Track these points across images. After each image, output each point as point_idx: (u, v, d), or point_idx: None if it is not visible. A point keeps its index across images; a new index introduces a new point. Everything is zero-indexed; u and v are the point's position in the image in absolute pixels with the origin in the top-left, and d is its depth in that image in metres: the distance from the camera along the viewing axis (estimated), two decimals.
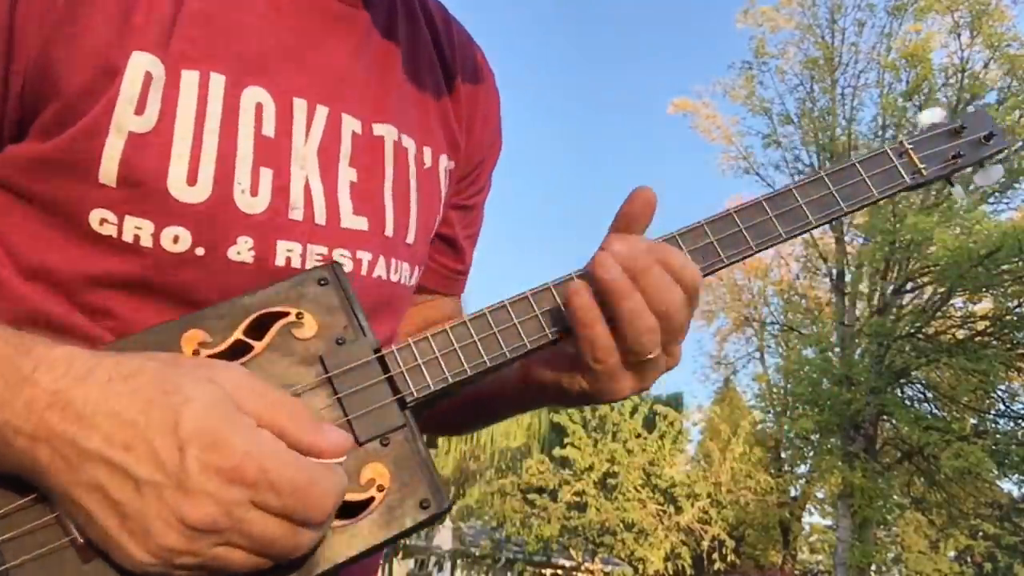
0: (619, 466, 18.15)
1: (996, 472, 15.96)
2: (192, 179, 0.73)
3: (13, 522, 0.61)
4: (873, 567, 18.46)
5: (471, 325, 0.79)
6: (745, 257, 0.85)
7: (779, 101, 18.96)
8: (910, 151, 0.94)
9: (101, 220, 0.71)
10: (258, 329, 0.71)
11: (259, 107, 0.77)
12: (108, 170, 0.71)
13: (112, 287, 0.73)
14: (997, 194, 16.48)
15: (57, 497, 0.60)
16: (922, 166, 0.93)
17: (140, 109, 0.71)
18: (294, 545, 0.60)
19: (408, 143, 0.89)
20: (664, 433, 18.87)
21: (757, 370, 21.42)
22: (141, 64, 0.72)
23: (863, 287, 17.79)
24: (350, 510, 0.67)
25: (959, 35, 17.01)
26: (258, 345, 0.71)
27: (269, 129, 0.78)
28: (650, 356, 0.77)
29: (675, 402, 22.60)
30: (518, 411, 0.97)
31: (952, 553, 24.30)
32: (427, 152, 0.92)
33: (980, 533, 19.97)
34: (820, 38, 18.63)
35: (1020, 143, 15.98)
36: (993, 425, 16.57)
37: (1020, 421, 16.25)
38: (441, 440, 22.32)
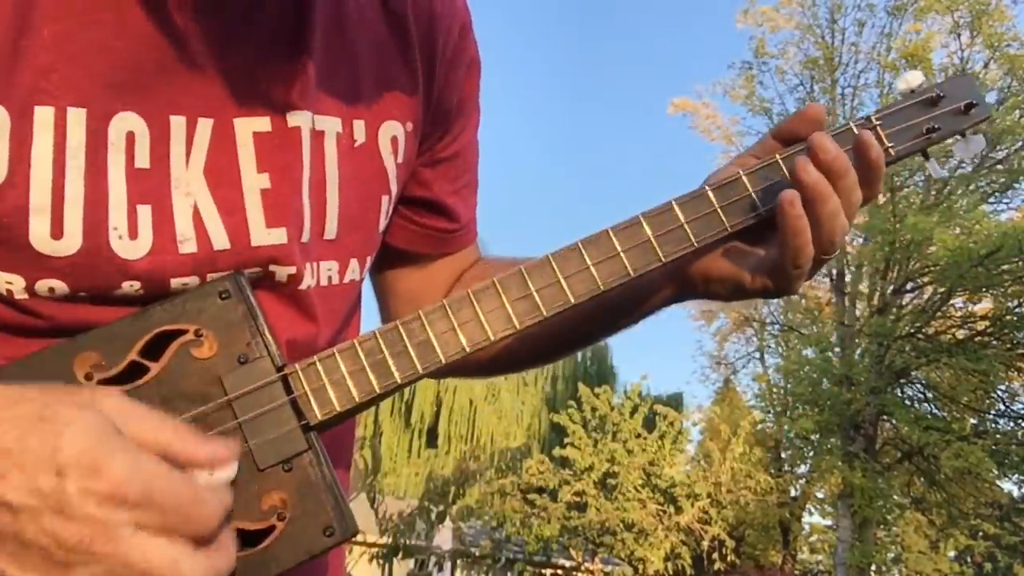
0: (619, 466, 18.14)
1: (996, 472, 15.96)
2: (57, 232, 0.66)
3: None
4: (873, 567, 18.45)
5: (381, 339, 0.74)
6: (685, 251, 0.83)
7: (779, 101, 18.97)
8: (878, 127, 0.86)
9: None
10: (155, 349, 0.68)
11: (130, 137, 0.69)
12: None
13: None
14: (997, 194, 16.49)
15: None
16: (889, 144, 0.86)
17: None
18: (173, 569, 0.57)
19: (326, 124, 0.80)
20: (664, 433, 18.87)
21: (757, 370, 21.41)
22: None
23: (863, 287, 17.79)
24: (251, 539, 0.65)
25: (959, 35, 17.03)
26: (154, 366, 0.67)
27: (143, 160, 0.69)
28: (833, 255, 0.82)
29: (675, 402, 22.61)
30: (651, 313, 0.96)
31: (952, 553, 24.29)
32: (358, 127, 0.83)
33: (980, 533, 19.96)
34: (820, 38, 18.64)
35: (1020, 143, 16.00)
36: (993, 425, 16.58)
37: (1020, 421, 16.25)
38: (441, 440, 22.31)
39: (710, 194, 0.82)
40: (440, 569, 19.05)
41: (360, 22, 0.85)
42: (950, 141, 0.91)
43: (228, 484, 0.61)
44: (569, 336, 0.99)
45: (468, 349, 0.76)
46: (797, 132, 0.86)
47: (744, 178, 0.83)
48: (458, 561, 19.53)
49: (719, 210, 0.82)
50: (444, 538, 18.81)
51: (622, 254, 0.80)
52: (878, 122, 0.86)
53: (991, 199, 16.52)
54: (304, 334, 0.79)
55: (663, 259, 0.80)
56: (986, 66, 16.88)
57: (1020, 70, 16.33)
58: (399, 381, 0.74)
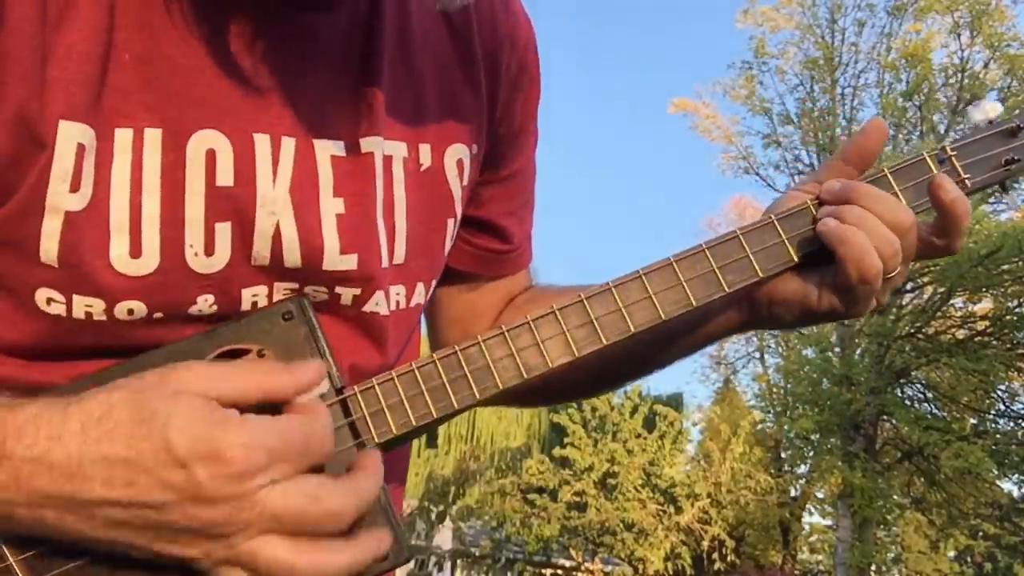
0: (619, 466, 18.14)
1: (996, 472, 15.96)
2: (136, 251, 0.67)
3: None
4: (873, 567, 18.46)
5: (440, 364, 0.75)
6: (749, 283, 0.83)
7: (779, 101, 18.98)
8: (952, 157, 0.83)
9: (48, 299, 0.67)
10: None
11: (211, 154, 0.69)
12: (48, 250, 0.65)
13: (70, 357, 0.70)
14: (997, 194, 16.46)
15: (80, 540, 0.61)
16: (966, 176, 0.83)
17: (75, 186, 0.65)
18: (321, 508, 0.61)
19: (394, 149, 0.81)
20: (664, 433, 18.87)
21: (757, 370, 21.42)
22: (71, 136, 0.64)
23: None
24: None
25: (959, 35, 17.01)
26: None
27: (226, 178, 0.70)
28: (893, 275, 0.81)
29: (675, 402, 22.59)
30: (713, 341, 0.95)
31: (952, 553, 24.30)
32: (424, 151, 0.83)
33: (980, 533, 19.96)
34: (820, 38, 18.63)
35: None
36: (993, 425, 16.58)
37: (1020, 421, 16.25)
38: (441, 440, 22.30)
39: (776, 224, 0.82)
40: (440, 569, 19.05)
41: (425, 41, 0.85)
42: None
43: (323, 403, 0.66)
44: (622, 365, 0.97)
45: (526, 375, 0.76)
46: (867, 147, 0.86)
47: (811, 207, 0.83)
48: (458, 561, 19.54)
49: (785, 241, 0.82)
50: (444, 538, 18.81)
51: (684, 283, 0.79)
52: (953, 152, 0.84)
53: (991, 199, 16.50)
54: (368, 358, 0.80)
55: (727, 289, 0.80)
56: (986, 66, 16.88)
57: (1020, 70, 16.33)
58: (456, 407, 0.75)
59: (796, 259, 0.82)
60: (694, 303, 0.79)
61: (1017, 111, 0.87)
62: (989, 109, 0.87)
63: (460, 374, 0.75)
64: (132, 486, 0.57)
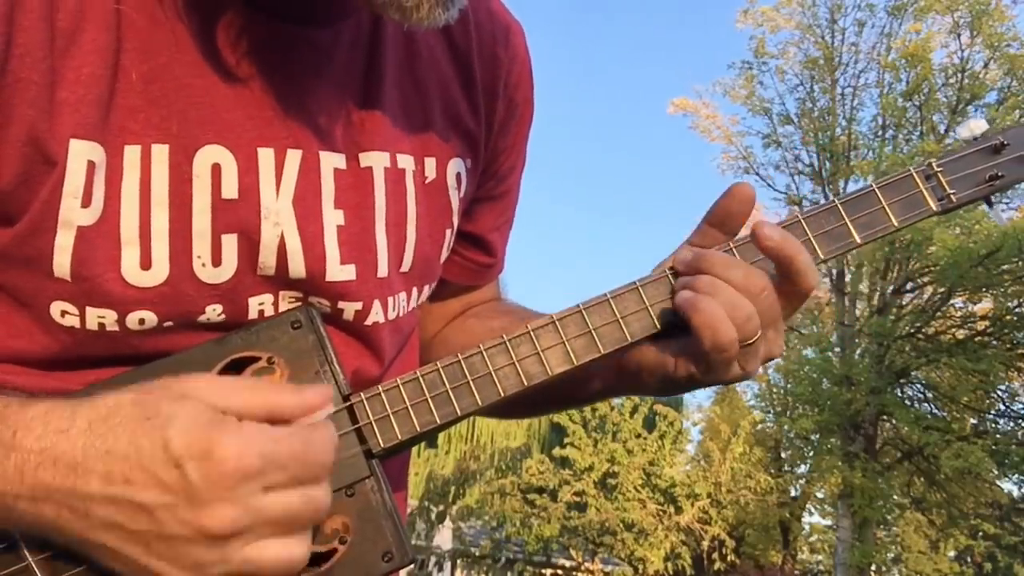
0: (619, 466, 18.13)
1: (996, 472, 15.97)
2: (146, 263, 0.70)
3: None
4: (873, 567, 18.45)
5: (443, 372, 0.77)
6: None
7: (779, 101, 18.95)
8: (938, 173, 0.85)
9: (62, 312, 0.69)
10: (231, 374, 0.71)
11: (216, 169, 0.72)
12: (61, 264, 0.68)
13: (85, 367, 0.72)
14: (997, 194, 16.45)
15: (76, 546, 0.61)
16: (952, 191, 0.85)
17: (86, 201, 0.68)
18: (314, 508, 0.62)
19: (404, 163, 0.84)
20: (664, 433, 18.86)
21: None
22: (81, 153, 0.67)
23: (863, 287, 17.79)
24: (314, 560, 0.68)
25: (959, 35, 17.01)
26: None
27: (231, 191, 0.72)
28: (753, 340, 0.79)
29: (675, 402, 22.59)
30: (606, 398, 0.97)
31: (952, 553, 24.29)
32: (429, 164, 0.87)
33: (980, 533, 19.93)
34: (820, 38, 18.62)
35: None
36: (993, 425, 16.59)
37: (1020, 421, 16.26)
38: (441, 440, 22.29)
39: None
40: (440, 569, 19.05)
41: (430, 60, 0.88)
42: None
43: (328, 420, 0.66)
44: (539, 400, 0.97)
45: (527, 383, 0.78)
46: (731, 209, 0.85)
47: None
48: (458, 561, 19.53)
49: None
50: (444, 538, 18.81)
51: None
52: (939, 168, 0.86)
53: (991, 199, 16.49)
54: (368, 366, 0.82)
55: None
56: (986, 66, 16.87)
57: (1020, 70, 16.33)
58: (459, 414, 0.77)
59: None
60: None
61: (1003, 129, 0.88)
62: (975, 127, 0.87)
63: (463, 382, 0.77)
64: (129, 483, 0.58)
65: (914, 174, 0.85)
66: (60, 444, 0.59)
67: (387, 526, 0.71)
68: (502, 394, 0.77)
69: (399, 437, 0.75)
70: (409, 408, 0.75)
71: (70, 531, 0.60)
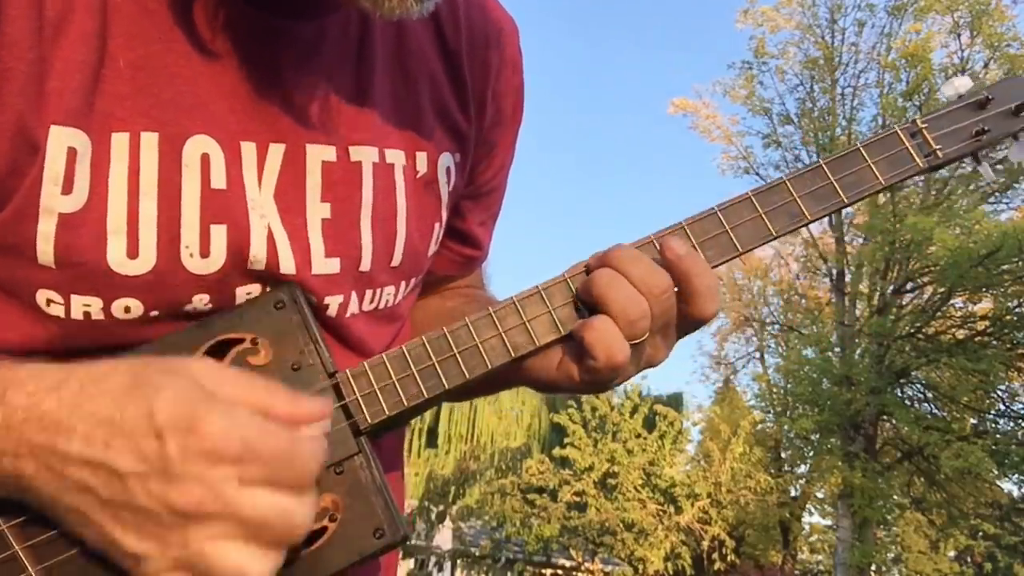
0: (619, 466, 18.14)
1: (996, 472, 15.95)
2: (133, 252, 0.69)
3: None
4: (873, 567, 18.45)
5: (429, 346, 0.76)
6: (729, 260, 0.81)
7: (779, 101, 18.95)
8: (923, 130, 0.84)
9: (48, 300, 0.69)
10: (214, 357, 0.71)
11: (205, 158, 0.71)
12: (45, 252, 0.67)
13: (70, 355, 0.70)
14: (997, 194, 16.49)
15: (49, 508, 0.60)
16: (937, 147, 0.83)
17: (67, 188, 0.67)
18: (287, 521, 0.59)
19: (394, 157, 0.83)
20: (664, 433, 18.86)
21: (757, 370, 21.40)
22: (61, 140, 0.66)
23: (863, 287, 17.79)
24: (305, 540, 0.66)
25: (959, 35, 17.02)
26: None
27: (219, 181, 0.72)
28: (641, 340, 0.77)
29: (675, 402, 22.59)
30: (496, 391, 0.96)
31: (952, 553, 24.30)
32: (421, 159, 0.86)
33: (980, 533, 19.96)
34: (820, 38, 18.62)
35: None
36: (993, 425, 16.57)
37: (1020, 421, 16.24)
38: (441, 440, 22.30)
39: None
40: (440, 569, 19.06)
41: (420, 56, 0.87)
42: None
43: (322, 435, 0.64)
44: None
45: (514, 354, 0.78)
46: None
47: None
48: (458, 561, 19.54)
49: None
50: (444, 538, 18.83)
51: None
52: (924, 125, 0.85)
53: (991, 199, 16.51)
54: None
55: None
56: (986, 66, 16.87)
57: (1020, 70, 16.33)
58: (446, 386, 0.76)
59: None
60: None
61: (988, 85, 0.87)
62: (959, 84, 0.86)
63: (450, 355, 0.76)
64: (108, 448, 0.57)
65: (899, 132, 0.84)
66: (47, 400, 0.58)
67: (377, 503, 0.70)
68: (489, 366, 0.76)
69: (386, 412, 0.74)
70: (395, 382, 0.75)
71: (45, 492, 0.59)
